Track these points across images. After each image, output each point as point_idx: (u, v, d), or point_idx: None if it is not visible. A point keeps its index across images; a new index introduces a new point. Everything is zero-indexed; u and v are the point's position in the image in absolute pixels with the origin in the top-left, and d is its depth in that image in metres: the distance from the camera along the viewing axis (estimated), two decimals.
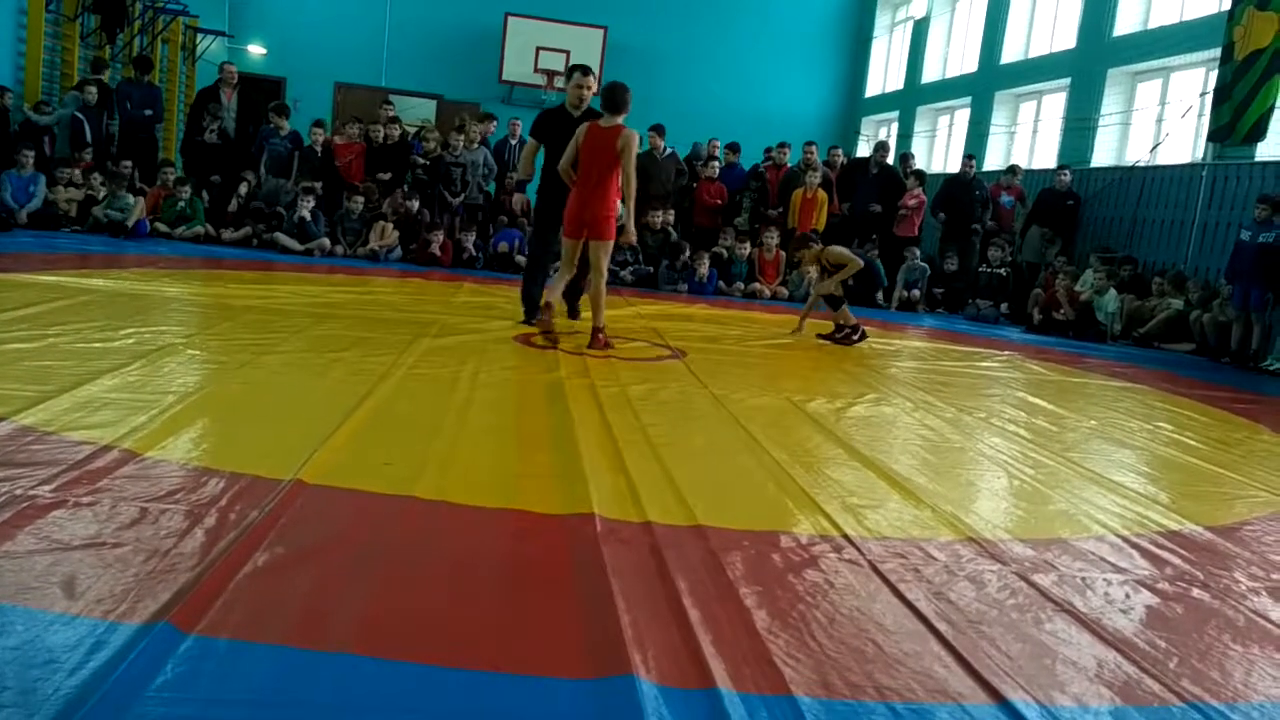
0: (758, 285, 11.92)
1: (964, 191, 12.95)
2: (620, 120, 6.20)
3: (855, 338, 8.00)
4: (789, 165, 13.27)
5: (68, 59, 13.24)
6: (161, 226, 11.23)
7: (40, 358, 4.34)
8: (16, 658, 1.83)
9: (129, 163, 11.79)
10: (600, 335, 6.30)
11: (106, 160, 11.96)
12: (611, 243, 6.38)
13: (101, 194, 11.14)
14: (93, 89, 12.17)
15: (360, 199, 11.68)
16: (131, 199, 11.04)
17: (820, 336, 8.16)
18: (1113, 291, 10.87)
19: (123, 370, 4.25)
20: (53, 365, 4.21)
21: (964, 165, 13.18)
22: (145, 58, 13.71)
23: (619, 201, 6.35)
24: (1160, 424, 5.77)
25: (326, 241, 11.33)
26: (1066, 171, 12.76)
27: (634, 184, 6.25)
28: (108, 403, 3.69)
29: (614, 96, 6.17)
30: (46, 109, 11.80)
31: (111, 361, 4.39)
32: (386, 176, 12.19)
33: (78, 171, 11.28)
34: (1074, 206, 12.65)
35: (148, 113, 12.53)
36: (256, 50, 19.17)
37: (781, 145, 13.55)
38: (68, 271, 7.38)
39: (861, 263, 8.18)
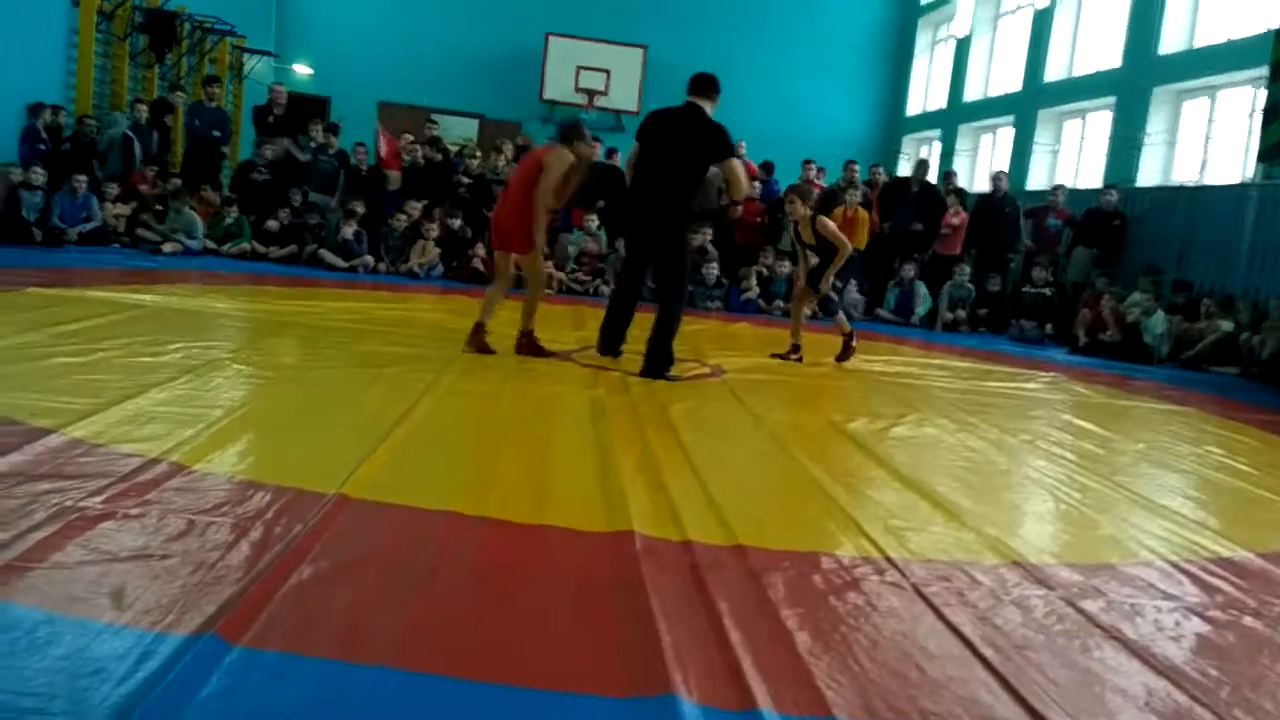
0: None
1: (995, 209, 12.83)
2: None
3: (852, 345, 7.45)
4: (822, 185, 13.26)
5: (117, 78, 13.49)
6: (209, 243, 11.40)
7: (90, 371, 4.41)
8: (66, 667, 1.85)
9: (179, 180, 11.99)
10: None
11: (158, 178, 12.16)
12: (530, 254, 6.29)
13: (146, 212, 11.34)
14: (143, 107, 12.40)
15: (403, 216, 11.79)
16: (196, 217, 11.25)
17: (775, 356, 7.41)
18: (1160, 313, 10.71)
19: (171, 384, 4.31)
20: (103, 379, 4.27)
21: (995, 182, 13.05)
22: (214, 77, 13.97)
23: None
24: (1210, 448, 5.67)
25: (370, 259, 11.46)
26: (1113, 191, 12.61)
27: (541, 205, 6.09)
28: (156, 416, 3.74)
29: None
30: (94, 125, 12.03)
31: (160, 376, 4.46)
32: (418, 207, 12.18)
33: (115, 187, 11.49)
34: (1120, 226, 12.50)
35: (216, 134, 12.77)
36: (302, 70, 19.44)
37: (806, 162, 13.59)
38: (117, 287, 7.51)
39: (851, 251, 7.32)
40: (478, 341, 6.17)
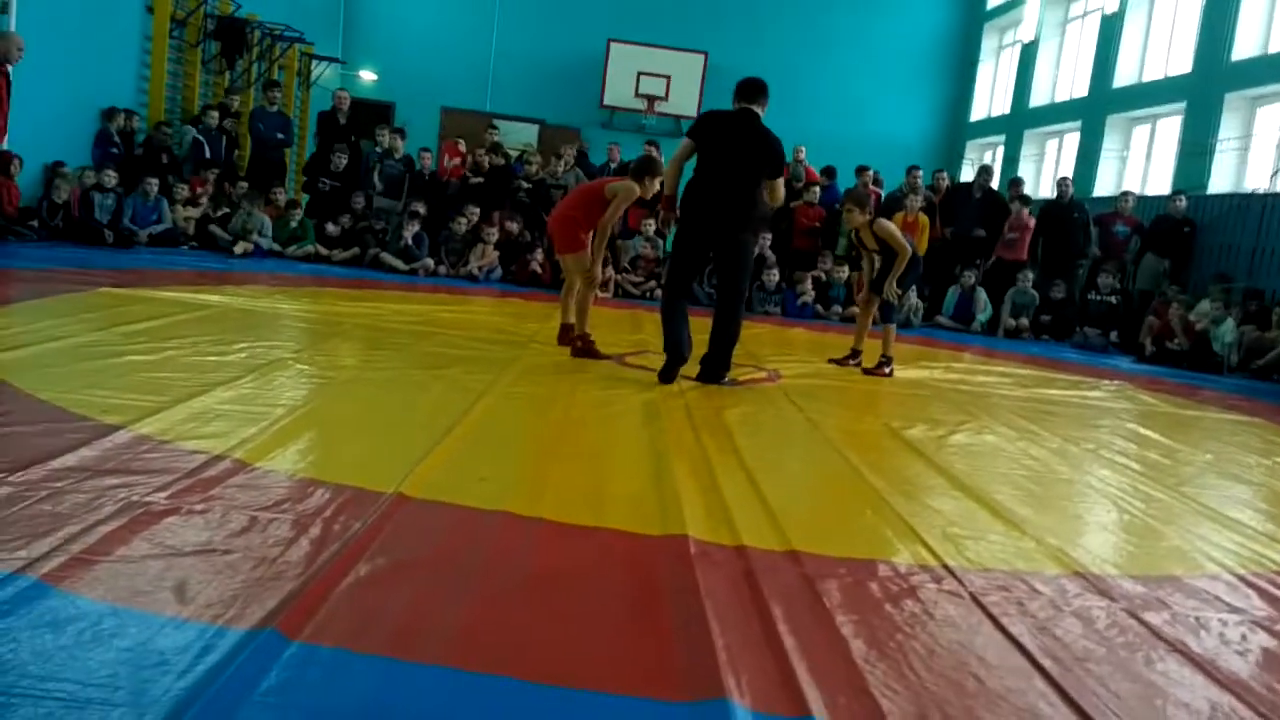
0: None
1: (1064, 214, 12.62)
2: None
3: (886, 370, 7.11)
4: (877, 189, 13.21)
5: (189, 84, 13.80)
6: (274, 245, 11.62)
7: (157, 370, 4.51)
8: (129, 659, 1.89)
9: (246, 183, 12.23)
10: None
11: (226, 180, 12.43)
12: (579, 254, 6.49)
13: (220, 213, 11.59)
14: (214, 113, 12.68)
15: (464, 220, 11.91)
16: (265, 218, 11.49)
17: (833, 361, 7.38)
18: (1230, 321, 10.45)
19: (235, 383, 4.39)
20: (169, 377, 4.37)
21: (1060, 187, 12.85)
22: (275, 81, 14.25)
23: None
24: None
25: (430, 262, 11.59)
26: (1181, 197, 12.34)
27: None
28: (220, 414, 3.82)
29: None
30: (168, 133, 12.32)
31: (225, 375, 4.54)
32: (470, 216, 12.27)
33: (185, 189, 11.75)
34: (1190, 233, 12.22)
35: (280, 136, 13.03)
36: (368, 76, 19.72)
37: (860, 169, 13.55)
38: (185, 287, 7.67)
39: (910, 251, 7.08)
40: (567, 340, 6.55)
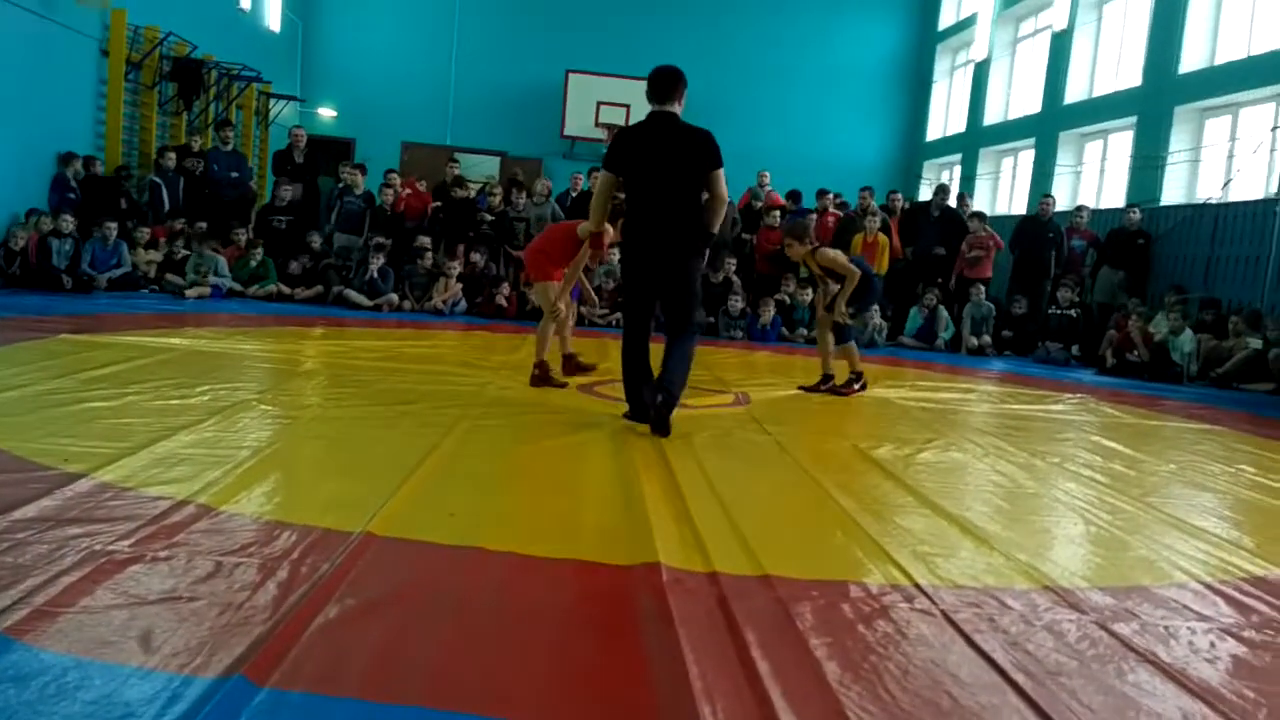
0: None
1: (1039, 231, 12.79)
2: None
3: (857, 386, 7.09)
4: (838, 213, 13.37)
5: (146, 126, 13.71)
6: (235, 285, 11.53)
7: (119, 415, 4.46)
8: (94, 712, 1.86)
9: (204, 224, 12.15)
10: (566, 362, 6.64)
11: (185, 221, 12.33)
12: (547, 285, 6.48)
13: (180, 256, 11.50)
14: (171, 155, 12.60)
15: (428, 255, 11.91)
16: (220, 258, 11.40)
17: (803, 389, 7.23)
18: (1188, 331, 10.61)
19: (198, 426, 4.35)
20: (131, 422, 4.32)
21: (1041, 204, 13.01)
22: (228, 120, 14.20)
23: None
24: (1242, 466, 5.60)
25: (394, 297, 11.56)
26: (1136, 210, 12.54)
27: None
28: (184, 459, 3.77)
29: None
30: (127, 175, 12.24)
31: (188, 418, 4.50)
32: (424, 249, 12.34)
33: (146, 232, 11.67)
34: (1144, 245, 12.41)
35: (234, 175, 12.97)
36: (327, 113, 19.71)
37: (821, 192, 13.70)
38: (146, 331, 7.60)
39: (859, 272, 6.99)
40: (569, 369, 6.63)
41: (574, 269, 6.47)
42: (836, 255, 7.19)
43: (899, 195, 14.20)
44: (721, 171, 5.22)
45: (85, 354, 6.20)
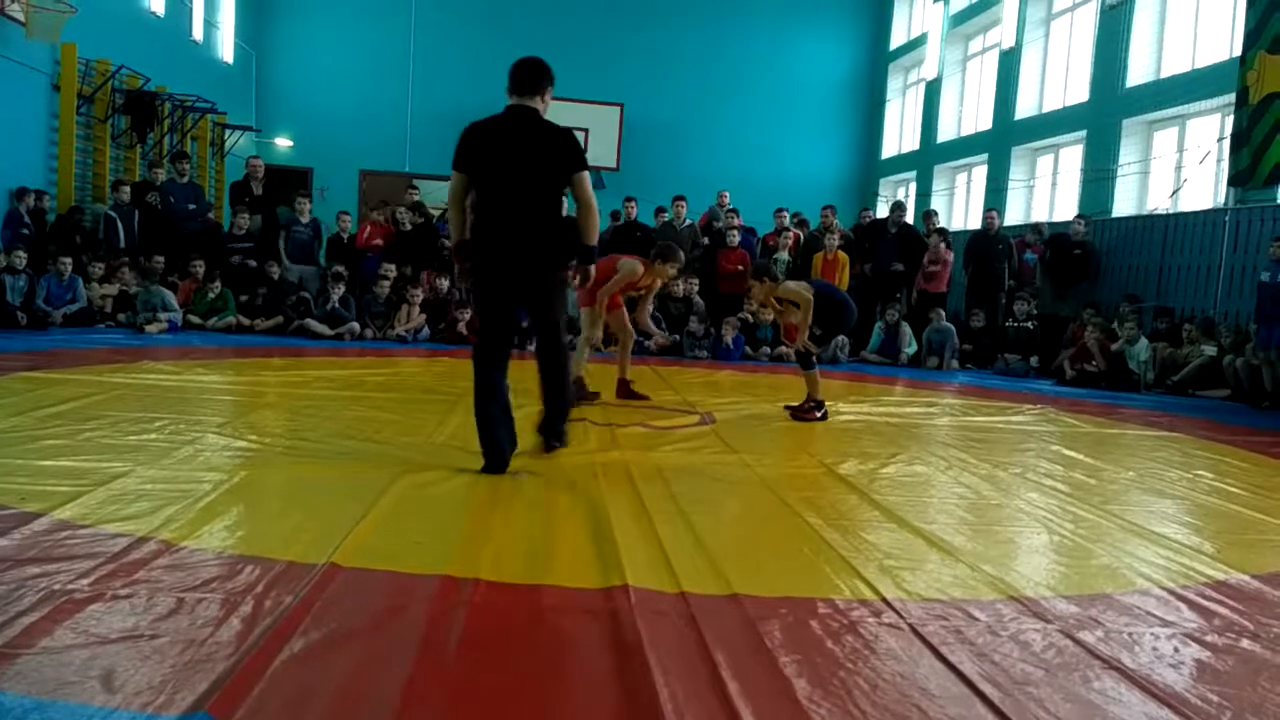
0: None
1: (988, 246, 12.98)
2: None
3: (818, 414, 6.88)
4: (798, 232, 13.54)
5: (99, 159, 13.58)
6: (194, 318, 11.42)
7: (76, 453, 4.39)
8: None
9: (160, 258, 12.03)
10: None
11: (139, 256, 12.22)
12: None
13: (133, 290, 11.38)
14: (126, 188, 12.49)
15: (386, 283, 11.86)
16: (168, 292, 11.27)
17: (789, 409, 7.06)
18: (1144, 340, 10.78)
19: (158, 462, 4.29)
20: (89, 459, 4.26)
21: (987, 220, 13.24)
22: (184, 153, 14.10)
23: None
24: (1200, 472, 5.68)
25: (356, 325, 11.49)
26: (1082, 220, 12.73)
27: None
28: (143, 494, 3.72)
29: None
30: (85, 215, 12.12)
31: (147, 454, 4.44)
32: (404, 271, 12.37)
33: (100, 267, 11.54)
34: (1083, 256, 12.57)
35: (191, 207, 12.88)
36: (283, 142, 19.62)
37: (778, 211, 13.85)
38: (102, 367, 7.50)
39: (811, 297, 6.87)
40: (623, 394, 7.26)
41: (599, 301, 6.99)
42: (795, 288, 7.07)
43: (870, 213, 14.49)
44: (586, 175, 4.65)
45: (41, 391, 6.11)
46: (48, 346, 8.75)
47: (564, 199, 4.73)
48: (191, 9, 16.62)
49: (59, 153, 12.67)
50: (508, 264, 4.59)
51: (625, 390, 7.27)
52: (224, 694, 2.08)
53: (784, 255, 13.09)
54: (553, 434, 4.88)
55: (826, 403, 7.09)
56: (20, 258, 10.62)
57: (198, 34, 16.86)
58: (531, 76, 4.62)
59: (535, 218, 4.57)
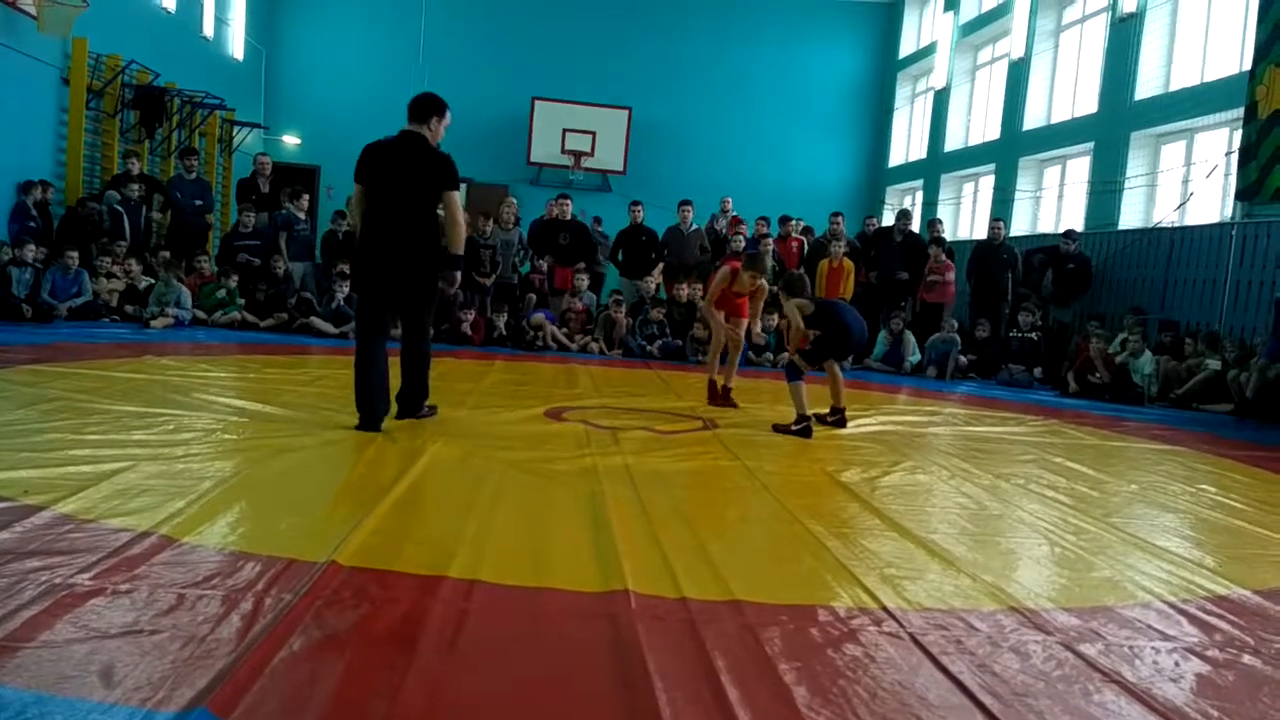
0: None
1: (993, 255, 12.97)
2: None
3: (795, 428, 6.51)
4: (801, 238, 13.56)
5: (107, 154, 13.61)
6: (200, 314, 11.44)
7: (79, 447, 4.40)
8: None
9: (167, 252, 12.06)
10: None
11: (146, 251, 12.26)
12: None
13: (144, 285, 11.40)
14: (133, 186, 12.52)
15: None
16: (185, 290, 11.30)
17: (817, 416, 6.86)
18: (1148, 353, 10.76)
19: (160, 457, 4.30)
20: (92, 454, 4.26)
21: (992, 229, 13.22)
22: (192, 149, 14.12)
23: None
24: (1203, 486, 5.67)
25: None
26: (1070, 237, 12.75)
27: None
28: (146, 489, 3.73)
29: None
30: (95, 208, 12.13)
31: (149, 449, 4.45)
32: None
33: (108, 261, 11.55)
34: (1075, 270, 12.53)
35: (198, 203, 12.91)
36: (291, 140, 19.65)
37: (784, 219, 13.88)
38: (107, 361, 7.51)
39: (801, 322, 6.74)
40: (714, 399, 7.80)
41: (706, 306, 8.00)
42: (791, 309, 6.83)
43: (875, 220, 14.48)
44: (456, 195, 5.52)
45: (45, 385, 6.12)
46: (52, 340, 8.76)
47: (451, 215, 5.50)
48: (203, 5, 16.67)
49: (67, 147, 12.70)
50: (387, 264, 5.44)
51: (720, 396, 7.74)
52: (223, 690, 2.08)
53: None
54: (408, 409, 5.72)
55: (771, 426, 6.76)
56: (30, 251, 10.64)
57: (208, 30, 16.91)
58: (423, 108, 5.55)
59: (412, 226, 5.42)
